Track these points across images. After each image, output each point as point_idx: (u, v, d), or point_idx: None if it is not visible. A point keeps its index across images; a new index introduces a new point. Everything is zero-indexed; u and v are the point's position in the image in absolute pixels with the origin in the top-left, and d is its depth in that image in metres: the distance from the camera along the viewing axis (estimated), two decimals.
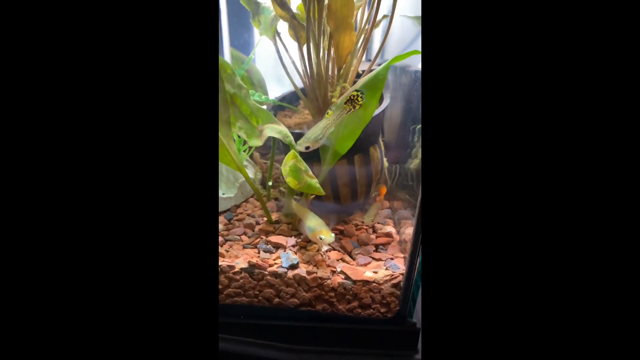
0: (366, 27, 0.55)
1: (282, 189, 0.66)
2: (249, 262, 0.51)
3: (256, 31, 0.64)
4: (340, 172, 0.58)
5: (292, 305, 0.53)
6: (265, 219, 0.60)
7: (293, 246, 0.55)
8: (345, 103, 0.45)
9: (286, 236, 0.57)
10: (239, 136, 0.53)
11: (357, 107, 0.45)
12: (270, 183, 0.62)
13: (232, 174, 0.62)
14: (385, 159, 0.66)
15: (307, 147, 0.46)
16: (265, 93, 0.64)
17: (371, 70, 0.59)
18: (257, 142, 0.49)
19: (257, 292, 0.53)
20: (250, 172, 0.65)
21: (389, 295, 0.52)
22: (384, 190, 0.67)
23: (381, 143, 0.63)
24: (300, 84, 0.60)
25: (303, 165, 0.47)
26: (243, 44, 0.82)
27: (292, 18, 0.51)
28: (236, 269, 0.51)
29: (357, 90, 0.45)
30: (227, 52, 0.75)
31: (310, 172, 0.48)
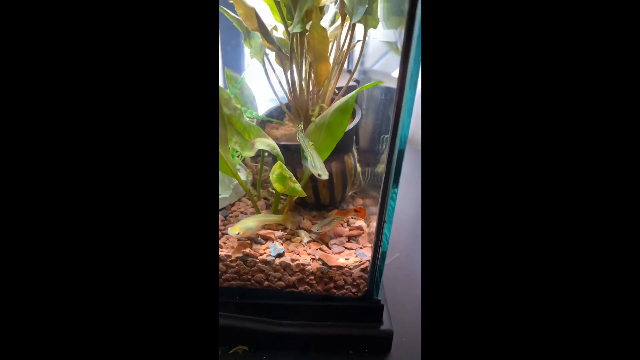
0: (340, 54, 0.66)
1: (270, 189, 0.76)
2: (243, 252, 0.62)
3: (244, 47, 0.73)
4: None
5: (279, 287, 0.64)
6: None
7: (280, 238, 0.66)
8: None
9: (274, 230, 0.68)
10: (235, 149, 0.62)
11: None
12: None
13: (228, 178, 0.72)
14: (358, 164, 0.77)
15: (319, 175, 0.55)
16: (255, 109, 0.73)
17: (350, 85, 0.70)
18: (250, 153, 0.59)
19: (250, 277, 0.64)
20: (243, 175, 0.75)
21: (359, 278, 0.63)
22: (364, 212, 0.70)
23: (354, 151, 0.74)
24: (285, 100, 0.71)
25: (287, 172, 0.58)
26: (235, 57, 0.92)
27: (277, 50, 0.61)
28: (232, 258, 0.62)
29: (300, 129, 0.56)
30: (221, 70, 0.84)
31: (294, 178, 0.59)
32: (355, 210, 0.69)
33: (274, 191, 0.76)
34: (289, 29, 0.52)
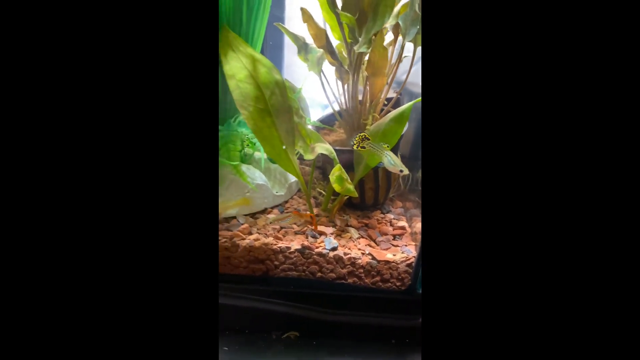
0: (390, 69, 0.73)
1: (318, 189, 0.83)
2: (302, 244, 0.69)
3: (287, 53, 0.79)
4: (367, 179, 0.76)
5: (330, 279, 0.71)
6: (308, 212, 0.77)
7: (331, 234, 0.73)
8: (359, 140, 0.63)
9: (326, 226, 0.74)
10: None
11: (362, 147, 0.62)
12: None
13: (283, 176, 0.79)
14: (404, 169, 0.83)
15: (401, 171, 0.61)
16: (309, 116, 0.81)
17: (398, 99, 0.77)
18: (310, 157, 0.66)
19: (305, 268, 0.70)
20: (294, 176, 0.82)
21: (404, 273, 0.69)
22: (314, 220, 0.73)
23: (399, 157, 0.80)
24: (337, 108, 0.78)
25: (345, 175, 0.65)
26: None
27: (339, 65, 0.68)
28: (291, 250, 0.69)
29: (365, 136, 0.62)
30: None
31: (350, 180, 0.65)
32: (311, 217, 0.73)
33: (322, 191, 0.83)
34: (355, 47, 0.59)
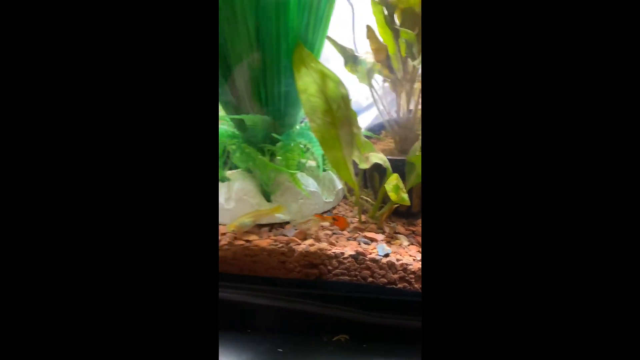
0: None
1: (365, 197, 0.86)
2: (355, 250, 0.71)
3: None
4: (415, 188, 0.78)
5: (382, 284, 0.73)
6: (356, 219, 0.80)
7: (382, 241, 0.75)
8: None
9: (375, 233, 0.77)
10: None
11: None
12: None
13: (332, 184, 0.82)
14: None
15: None
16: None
17: None
18: (365, 166, 0.69)
19: (357, 273, 0.73)
20: (340, 184, 0.85)
21: None
22: (342, 220, 0.74)
23: None
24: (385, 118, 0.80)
25: (401, 184, 0.67)
26: None
27: (395, 78, 0.71)
28: (345, 255, 0.71)
29: None
30: None
31: (404, 189, 0.68)
32: (334, 219, 0.74)
33: (367, 198, 0.86)
34: (414, 62, 0.62)
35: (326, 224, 0.77)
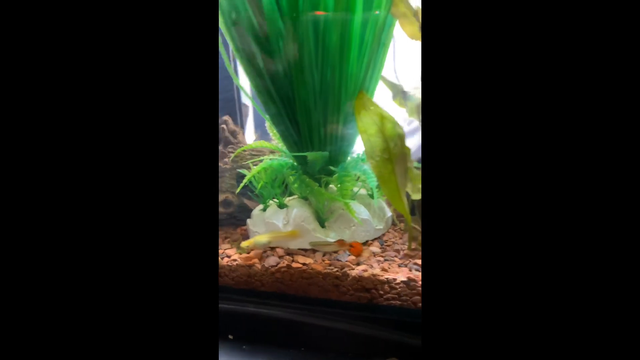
0: None
1: (415, 225, 0.89)
2: (407, 277, 0.75)
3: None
4: None
5: None
6: (405, 246, 0.83)
7: None
8: None
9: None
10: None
11: None
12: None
13: (382, 211, 0.87)
14: None
15: None
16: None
17: None
18: (417, 197, 0.73)
19: (408, 298, 0.76)
20: (390, 212, 0.89)
21: None
22: (357, 247, 0.76)
23: None
24: None
25: None
26: None
27: None
28: (397, 281, 0.75)
29: None
30: None
31: None
32: (351, 245, 0.76)
33: (416, 226, 0.89)
34: None
35: (377, 250, 0.82)
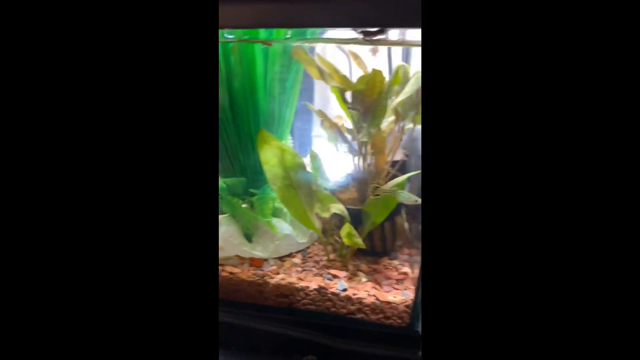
0: (394, 142, 0.90)
1: (336, 237, 1.00)
2: (319, 285, 0.86)
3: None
4: (375, 232, 0.92)
5: (342, 313, 0.86)
6: (325, 257, 0.94)
7: (344, 277, 0.89)
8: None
9: (339, 270, 0.91)
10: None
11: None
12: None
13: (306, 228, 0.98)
14: (406, 223, 0.98)
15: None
16: (328, 179, 0.99)
17: (404, 161, 0.93)
18: (326, 215, 0.84)
19: (321, 303, 0.87)
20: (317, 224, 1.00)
21: (403, 312, 0.84)
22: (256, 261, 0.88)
23: (403, 213, 0.96)
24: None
25: (353, 231, 0.82)
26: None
27: (349, 146, 0.87)
28: (311, 289, 0.86)
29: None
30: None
31: (357, 235, 0.82)
32: (251, 259, 0.89)
33: (338, 239, 1.00)
34: (359, 137, 0.77)
35: (299, 261, 0.93)
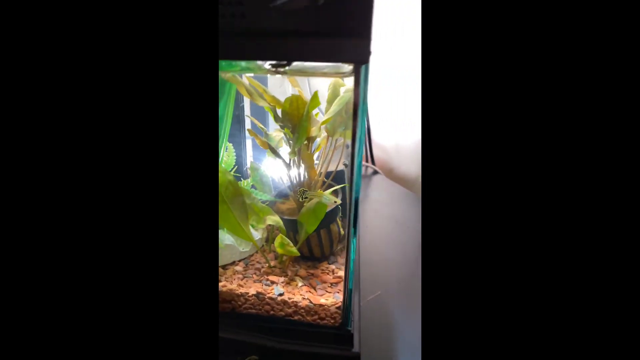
0: (326, 157, 0.96)
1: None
2: (257, 291, 0.92)
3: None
4: (312, 238, 0.99)
5: (280, 316, 0.93)
6: (266, 264, 1.01)
7: (282, 282, 0.96)
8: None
9: (278, 276, 0.97)
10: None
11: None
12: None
13: None
14: (342, 229, 1.06)
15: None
16: (270, 191, 1.05)
17: (343, 170, 1.00)
18: (262, 226, 0.91)
19: (261, 308, 0.93)
20: (260, 233, 1.06)
21: (334, 313, 0.91)
22: None
23: (338, 220, 1.03)
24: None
25: (286, 241, 0.88)
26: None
27: (282, 160, 0.93)
28: (250, 294, 0.92)
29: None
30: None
31: (291, 244, 0.89)
32: None
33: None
34: (288, 153, 0.84)
35: (240, 269, 0.99)
